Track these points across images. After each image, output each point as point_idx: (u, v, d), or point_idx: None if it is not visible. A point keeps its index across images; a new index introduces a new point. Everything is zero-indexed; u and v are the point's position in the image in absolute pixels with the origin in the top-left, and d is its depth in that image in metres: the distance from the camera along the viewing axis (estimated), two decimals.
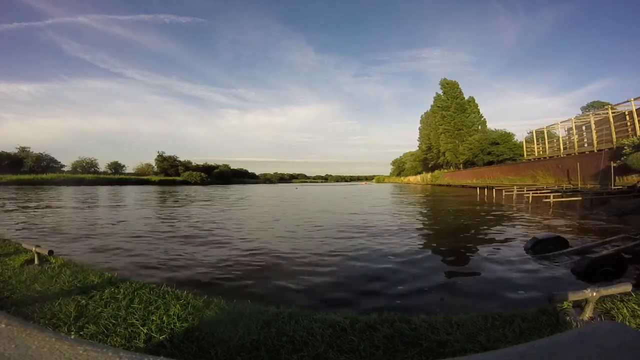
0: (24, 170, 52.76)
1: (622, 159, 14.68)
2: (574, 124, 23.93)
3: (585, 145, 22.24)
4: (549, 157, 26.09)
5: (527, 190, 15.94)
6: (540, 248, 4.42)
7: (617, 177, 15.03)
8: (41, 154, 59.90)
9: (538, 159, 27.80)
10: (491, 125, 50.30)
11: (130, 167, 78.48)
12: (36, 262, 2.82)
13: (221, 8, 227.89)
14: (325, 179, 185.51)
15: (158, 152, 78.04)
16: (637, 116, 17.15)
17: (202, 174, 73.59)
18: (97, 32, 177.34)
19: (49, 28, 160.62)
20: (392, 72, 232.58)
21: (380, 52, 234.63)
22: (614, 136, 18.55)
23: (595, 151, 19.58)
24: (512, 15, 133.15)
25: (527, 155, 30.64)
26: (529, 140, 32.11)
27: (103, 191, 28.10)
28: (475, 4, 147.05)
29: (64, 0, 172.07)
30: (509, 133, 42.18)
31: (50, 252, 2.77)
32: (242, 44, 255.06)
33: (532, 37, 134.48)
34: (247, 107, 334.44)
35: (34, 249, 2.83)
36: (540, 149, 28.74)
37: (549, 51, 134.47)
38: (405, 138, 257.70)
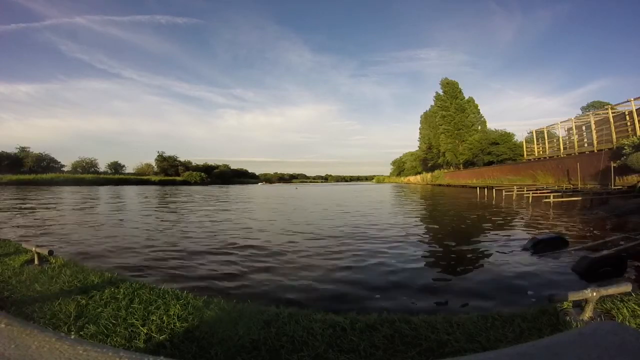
0: (23, 170, 52.79)
1: (622, 159, 14.65)
2: (574, 124, 23.90)
3: (585, 145, 22.20)
4: (549, 157, 26.06)
5: (527, 190, 15.92)
6: (540, 248, 4.42)
7: (617, 177, 15.01)
8: (41, 154, 59.99)
9: (538, 159, 27.77)
10: (489, 125, 50.31)
11: (130, 167, 78.67)
12: (36, 262, 2.82)
13: (217, 8, 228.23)
14: (326, 179, 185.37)
15: (158, 152, 78.29)
16: (637, 116, 17.12)
17: (202, 174, 73.65)
18: (95, 33, 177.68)
19: (46, 29, 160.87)
20: (390, 72, 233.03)
21: (377, 52, 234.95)
22: (614, 136, 18.52)
23: (595, 151, 19.55)
24: (508, 15, 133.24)
25: (527, 155, 30.60)
26: (528, 140, 32.07)
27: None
28: (471, 4, 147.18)
29: (61, 1, 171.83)
30: (509, 133, 42.15)
31: (50, 252, 2.77)
32: (239, 45, 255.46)
33: (529, 36, 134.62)
34: (246, 107, 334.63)
35: (34, 249, 2.83)
36: (540, 149, 28.71)
37: (546, 51, 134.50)
38: (405, 138, 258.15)
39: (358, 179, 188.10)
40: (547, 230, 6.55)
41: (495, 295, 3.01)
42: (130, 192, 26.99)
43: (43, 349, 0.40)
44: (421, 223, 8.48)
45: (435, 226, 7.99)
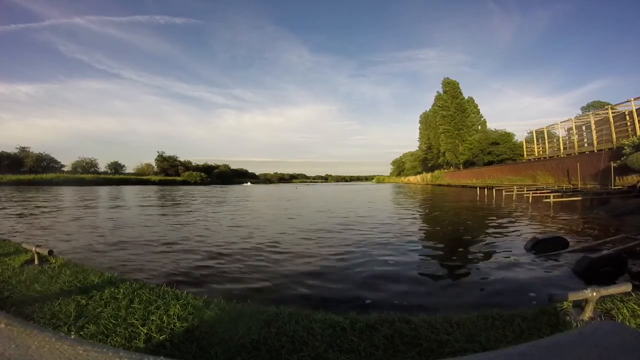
0: (23, 170, 52.77)
1: (622, 159, 14.65)
2: (574, 124, 23.91)
3: (585, 145, 22.21)
4: (549, 157, 26.06)
5: (527, 190, 15.92)
6: (540, 248, 4.42)
7: (617, 177, 15.00)
8: (41, 154, 59.99)
9: (538, 159, 27.78)
10: (489, 125, 50.38)
11: (130, 167, 78.64)
12: (36, 262, 2.82)
13: (216, 9, 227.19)
14: (326, 179, 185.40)
15: (158, 152, 78.30)
16: (637, 116, 17.12)
17: (202, 174, 73.64)
18: (94, 33, 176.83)
19: (46, 29, 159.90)
20: (389, 72, 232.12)
21: (376, 52, 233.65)
22: (614, 136, 18.52)
23: (595, 151, 19.56)
24: (507, 15, 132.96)
25: (527, 155, 30.61)
26: (529, 140, 32.10)
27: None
28: (469, 4, 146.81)
29: (60, 1, 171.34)
30: (509, 133, 42.19)
31: (50, 252, 2.78)
32: (238, 45, 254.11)
33: (528, 36, 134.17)
34: (245, 107, 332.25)
35: (34, 249, 2.83)
36: (540, 149, 28.72)
37: (545, 51, 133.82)
38: (405, 138, 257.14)
39: (358, 179, 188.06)
40: (547, 231, 6.55)
41: (495, 295, 3.01)
42: (131, 193, 27.00)
43: (43, 349, 0.40)
44: (421, 223, 8.48)
45: (435, 226, 7.99)
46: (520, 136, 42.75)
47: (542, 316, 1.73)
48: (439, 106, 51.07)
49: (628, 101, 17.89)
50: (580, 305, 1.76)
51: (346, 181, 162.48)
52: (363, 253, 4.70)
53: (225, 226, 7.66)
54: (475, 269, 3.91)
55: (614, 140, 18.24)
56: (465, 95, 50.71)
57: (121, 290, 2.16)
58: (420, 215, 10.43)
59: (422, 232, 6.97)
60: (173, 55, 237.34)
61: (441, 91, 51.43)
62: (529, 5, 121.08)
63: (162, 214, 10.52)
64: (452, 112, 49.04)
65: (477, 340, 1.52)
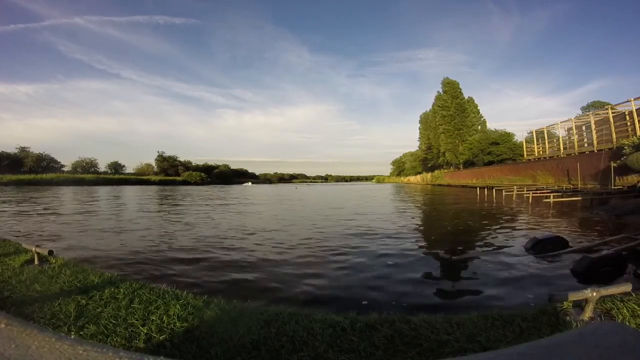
0: (23, 170, 52.74)
1: (622, 159, 14.66)
2: (574, 124, 23.92)
3: (585, 145, 22.21)
4: (549, 157, 26.07)
5: (527, 190, 15.92)
6: (540, 248, 4.42)
7: (617, 177, 15.00)
8: (41, 154, 59.98)
9: (538, 159, 27.79)
10: (489, 125, 50.40)
11: (130, 167, 78.59)
12: (36, 262, 2.82)
13: (215, 9, 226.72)
14: (326, 179, 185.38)
15: (158, 152, 78.25)
16: (637, 116, 17.13)
17: (202, 174, 73.64)
18: (93, 33, 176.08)
19: (46, 30, 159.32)
20: (388, 72, 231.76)
21: (375, 52, 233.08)
22: (614, 136, 18.53)
23: (595, 151, 19.56)
24: (506, 15, 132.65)
25: (527, 155, 30.62)
26: (529, 140, 32.11)
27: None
28: (469, 4, 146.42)
29: (60, 1, 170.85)
30: (509, 133, 42.18)
31: (50, 252, 2.78)
32: (238, 45, 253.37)
33: (527, 36, 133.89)
34: (245, 107, 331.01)
35: (34, 249, 2.83)
36: (540, 149, 28.72)
37: (545, 51, 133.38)
38: (405, 138, 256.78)
39: (358, 179, 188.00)
40: (547, 231, 6.55)
41: (495, 296, 3.01)
42: (131, 193, 26.99)
43: (43, 349, 0.40)
44: (421, 223, 8.48)
45: (435, 226, 7.99)
46: (520, 136, 42.83)
47: (542, 316, 1.73)
48: (439, 106, 51.04)
49: (628, 101, 17.89)
50: (580, 305, 1.76)
51: (346, 181, 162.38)
52: (363, 253, 4.70)
53: (227, 228, 7.66)
54: (475, 269, 3.91)
55: (614, 140, 18.24)
56: (465, 95, 50.72)
57: (121, 290, 2.16)
58: (421, 215, 10.43)
59: (423, 231, 6.97)
60: (173, 56, 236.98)
61: (441, 91, 51.41)
62: (528, 5, 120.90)
63: (164, 215, 10.52)
64: (452, 112, 49.02)
65: (477, 340, 1.52)
